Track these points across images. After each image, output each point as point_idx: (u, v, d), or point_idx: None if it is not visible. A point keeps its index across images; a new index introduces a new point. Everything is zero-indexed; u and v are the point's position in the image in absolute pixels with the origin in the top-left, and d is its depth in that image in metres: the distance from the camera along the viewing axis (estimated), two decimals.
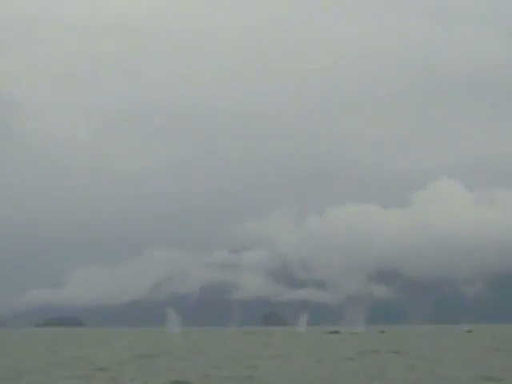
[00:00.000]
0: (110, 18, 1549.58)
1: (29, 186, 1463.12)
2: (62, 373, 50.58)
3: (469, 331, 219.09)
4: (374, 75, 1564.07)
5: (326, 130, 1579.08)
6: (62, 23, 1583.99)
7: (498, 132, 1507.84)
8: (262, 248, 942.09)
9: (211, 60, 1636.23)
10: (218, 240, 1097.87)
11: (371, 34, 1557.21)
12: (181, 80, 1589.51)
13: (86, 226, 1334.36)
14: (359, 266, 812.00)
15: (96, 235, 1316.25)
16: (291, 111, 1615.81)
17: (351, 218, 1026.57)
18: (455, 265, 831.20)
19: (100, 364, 61.64)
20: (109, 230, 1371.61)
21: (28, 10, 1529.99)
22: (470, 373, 48.65)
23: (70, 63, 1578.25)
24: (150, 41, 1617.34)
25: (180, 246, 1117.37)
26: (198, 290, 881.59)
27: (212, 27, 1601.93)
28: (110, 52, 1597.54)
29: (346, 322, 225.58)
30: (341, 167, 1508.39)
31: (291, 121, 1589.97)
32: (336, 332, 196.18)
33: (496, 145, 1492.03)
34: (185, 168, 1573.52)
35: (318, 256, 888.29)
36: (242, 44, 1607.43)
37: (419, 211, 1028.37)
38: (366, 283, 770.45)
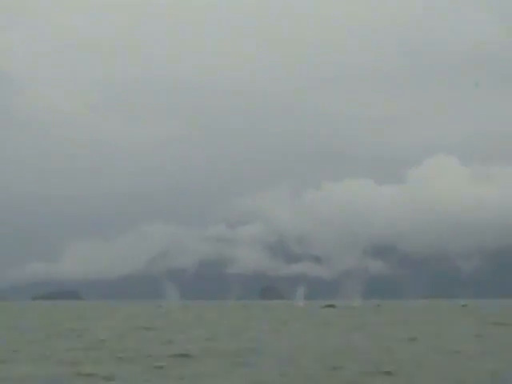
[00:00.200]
0: None
1: (25, 161, 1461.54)
2: (62, 345, 50.15)
3: (464, 305, 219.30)
4: (373, 51, 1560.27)
5: (324, 106, 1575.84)
6: None
7: (496, 109, 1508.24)
8: (258, 222, 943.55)
9: (211, 34, 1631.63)
10: (215, 214, 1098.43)
11: (371, 10, 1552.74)
12: (180, 54, 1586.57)
13: (82, 199, 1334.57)
14: (355, 241, 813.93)
15: (93, 209, 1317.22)
16: (289, 86, 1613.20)
17: (347, 193, 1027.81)
18: (452, 240, 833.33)
19: (100, 336, 61.27)
20: (106, 204, 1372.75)
21: None
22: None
23: (67, 36, 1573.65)
24: (150, 14, 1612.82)
25: (177, 221, 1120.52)
26: (195, 264, 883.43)
27: (212, 2, 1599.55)
28: (109, 25, 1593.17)
29: (343, 296, 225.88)
30: (337, 143, 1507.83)
31: (289, 96, 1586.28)
32: (332, 306, 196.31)
33: (493, 121, 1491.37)
34: (182, 143, 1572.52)
35: (314, 231, 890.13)
36: (242, 18, 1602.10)
37: (415, 187, 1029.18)
38: (361, 258, 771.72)
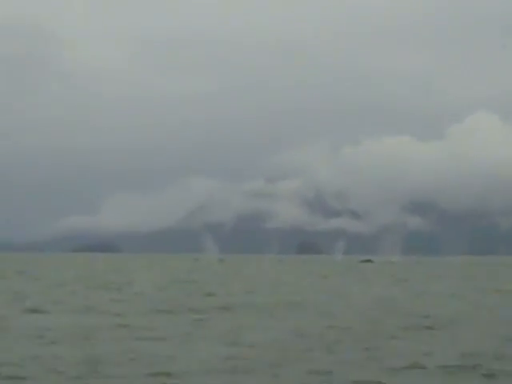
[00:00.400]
0: None
1: (65, 115, 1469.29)
2: (103, 297, 50.24)
3: (501, 262, 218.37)
4: (412, 6, 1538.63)
5: (363, 61, 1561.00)
6: None
7: None
8: (297, 178, 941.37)
9: None
10: (254, 169, 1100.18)
11: None
12: (219, 8, 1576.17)
13: (121, 153, 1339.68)
14: (394, 197, 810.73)
15: (132, 163, 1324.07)
16: (329, 42, 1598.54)
17: (387, 149, 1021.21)
18: (491, 196, 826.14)
19: (140, 288, 61.41)
20: (145, 157, 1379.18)
21: None
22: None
23: None
24: None
25: (216, 175, 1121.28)
26: (233, 219, 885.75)
27: None
28: None
29: (381, 252, 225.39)
30: (377, 99, 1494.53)
31: (329, 52, 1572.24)
32: (369, 261, 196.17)
33: None
34: (222, 97, 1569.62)
35: (352, 186, 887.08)
36: None
37: (455, 144, 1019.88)
38: (400, 214, 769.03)
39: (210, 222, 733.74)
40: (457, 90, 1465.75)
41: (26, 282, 69.57)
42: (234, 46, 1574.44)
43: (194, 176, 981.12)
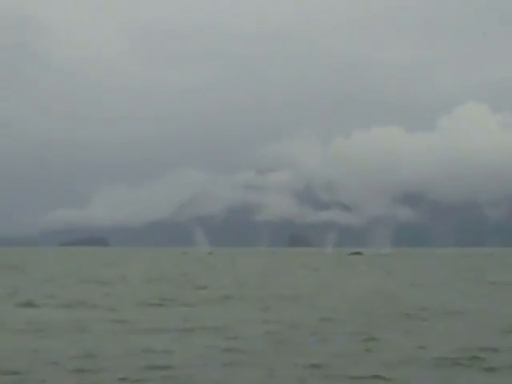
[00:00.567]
0: None
1: (54, 107, 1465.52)
2: (94, 291, 50.10)
3: (490, 254, 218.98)
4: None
5: (352, 52, 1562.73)
6: None
7: None
8: (287, 169, 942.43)
9: None
10: (244, 161, 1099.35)
11: None
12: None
13: (111, 146, 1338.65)
14: (384, 189, 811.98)
15: (121, 155, 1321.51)
16: (318, 31, 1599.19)
17: (377, 140, 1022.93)
18: (480, 188, 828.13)
19: (130, 282, 61.33)
20: (133, 150, 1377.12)
21: None
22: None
23: None
24: None
25: (206, 167, 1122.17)
26: (223, 211, 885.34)
27: None
28: None
29: (372, 244, 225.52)
30: (366, 90, 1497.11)
31: (318, 41, 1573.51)
32: (358, 253, 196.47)
33: None
34: (211, 90, 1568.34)
35: (342, 178, 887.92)
36: None
37: (445, 135, 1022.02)
38: (390, 206, 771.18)
39: (201, 215, 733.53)
40: (446, 80, 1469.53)
41: (17, 277, 69.19)
42: (215, 37, 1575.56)
43: (184, 168, 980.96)
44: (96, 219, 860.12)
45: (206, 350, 23.13)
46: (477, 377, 19.04)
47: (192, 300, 41.44)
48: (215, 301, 41.33)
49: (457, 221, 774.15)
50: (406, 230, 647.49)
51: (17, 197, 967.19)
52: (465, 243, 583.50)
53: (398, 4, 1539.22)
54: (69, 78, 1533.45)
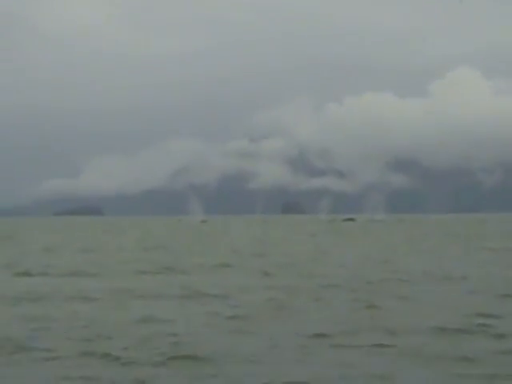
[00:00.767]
0: None
1: (47, 75, 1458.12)
2: (88, 259, 49.99)
3: (485, 220, 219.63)
4: None
5: (343, 17, 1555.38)
6: None
7: None
8: (280, 137, 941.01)
9: None
10: (237, 129, 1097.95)
11: None
12: None
13: (104, 114, 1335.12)
14: (377, 155, 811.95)
15: (113, 125, 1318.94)
16: (309, 1, 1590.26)
17: (369, 106, 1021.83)
18: (474, 154, 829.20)
19: (125, 251, 61.22)
20: (127, 119, 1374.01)
21: None
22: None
23: None
24: None
25: (199, 135, 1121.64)
26: (216, 179, 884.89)
27: None
28: None
29: (366, 210, 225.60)
30: (358, 56, 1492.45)
31: (311, 9, 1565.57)
32: (351, 219, 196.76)
33: None
34: (203, 57, 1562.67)
35: (335, 145, 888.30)
36: None
37: (437, 100, 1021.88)
38: (384, 172, 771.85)
39: (194, 183, 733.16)
40: (438, 46, 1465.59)
41: (13, 248, 69.00)
42: (217, 4, 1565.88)
43: (177, 137, 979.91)
44: (90, 188, 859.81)
45: (208, 317, 23.00)
46: (486, 343, 18.81)
47: (190, 268, 41.33)
48: (213, 268, 41.21)
49: (450, 187, 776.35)
50: (399, 196, 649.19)
51: (9, 167, 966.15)
52: (459, 209, 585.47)
53: None
54: (59, 46, 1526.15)
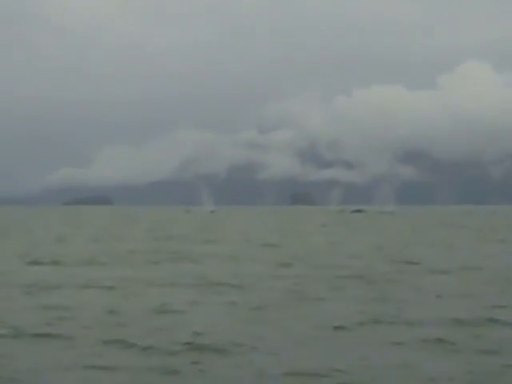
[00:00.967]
0: None
1: (58, 66, 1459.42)
2: (99, 249, 50.01)
3: (494, 212, 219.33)
4: None
5: (353, 9, 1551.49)
6: None
7: None
8: (289, 128, 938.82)
9: None
10: (247, 120, 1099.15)
11: None
12: None
13: (114, 105, 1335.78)
14: (386, 147, 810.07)
15: (124, 115, 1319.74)
16: None
17: (378, 99, 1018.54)
18: (483, 146, 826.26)
19: (136, 242, 61.26)
20: (136, 109, 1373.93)
21: None
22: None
23: None
24: None
25: (208, 126, 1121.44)
26: (226, 170, 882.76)
27: None
28: None
29: (375, 202, 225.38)
30: (367, 48, 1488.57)
31: (319, 1, 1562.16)
32: (360, 211, 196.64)
33: None
34: (214, 48, 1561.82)
35: (344, 136, 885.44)
36: None
37: (447, 93, 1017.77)
38: (392, 164, 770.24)
39: (203, 174, 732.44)
40: (447, 39, 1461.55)
41: (24, 237, 69.13)
42: None
43: (187, 127, 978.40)
44: (99, 178, 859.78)
45: (225, 306, 22.94)
46: (506, 334, 18.68)
47: (203, 257, 41.29)
48: (227, 258, 41.16)
49: (459, 179, 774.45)
50: (408, 188, 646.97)
51: (19, 156, 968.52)
52: (467, 201, 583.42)
53: None
54: (69, 36, 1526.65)
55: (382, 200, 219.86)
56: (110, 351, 16.66)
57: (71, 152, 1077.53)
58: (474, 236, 67.46)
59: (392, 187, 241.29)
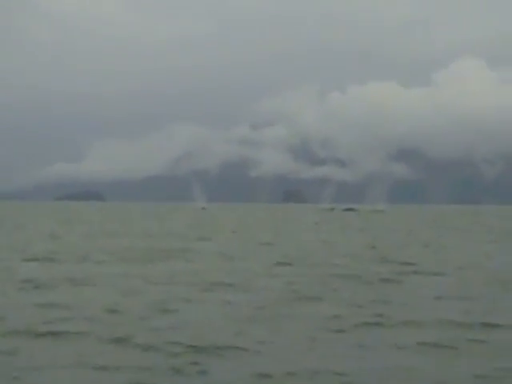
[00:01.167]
0: None
1: (51, 59, 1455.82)
2: (97, 245, 50.02)
3: (488, 212, 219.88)
4: None
5: (349, 6, 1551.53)
6: None
7: None
8: (282, 125, 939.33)
9: None
10: (239, 116, 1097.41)
11: None
12: None
13: (107, 99, 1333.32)
14: (379, 145, 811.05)
15: (116, 110, 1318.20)
16: None
17: (372, 96, 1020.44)
18: (476, 145, 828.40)
19: (129, 238, 61.29)
20: (129, 104, 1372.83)
21: None
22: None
23: None
24: None
25: (201, 122, 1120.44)
26: (218, 166, 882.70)
27: None
28: None
29: (367, 200, 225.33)
30: (362, 45, 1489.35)
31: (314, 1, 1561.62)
32: (351, 209, 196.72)
33: None
34: (207, 44, 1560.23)
35: (338, 134, 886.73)
36: None
37: (441, 91, 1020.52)
38: (386, 162, 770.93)
39: (196, 170, 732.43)
40: (442, 36, 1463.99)
41: (18, 233, 69.02)
42: None
43: (179, 123, 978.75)
44: (91, 174, 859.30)
45: (226, 304, 22.98)
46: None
47: (199, 256, 41.32)
48: (222, 257, 41.17)
49: (452, 178, 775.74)
50: (401, 186, 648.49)
51: (11, 151, 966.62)
52: (461, 200, 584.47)
53: None
54: (66, 29, 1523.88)
55: (375, 198, 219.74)
56: (109, 350, 16.65)
57: (64, 147, 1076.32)
58: (467, 236, 67.55)
59: (385, 186, 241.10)
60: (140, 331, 18.43)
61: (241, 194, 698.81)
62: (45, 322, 19.43)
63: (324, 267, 35.04)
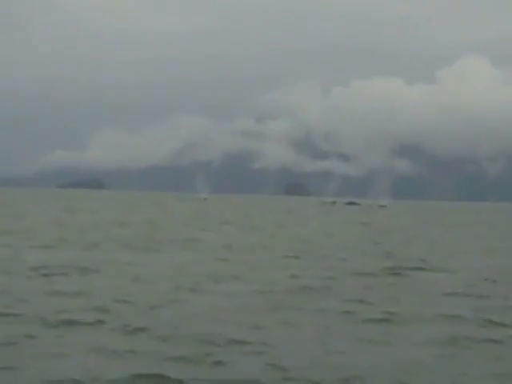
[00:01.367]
0: None
1: (54, 47, 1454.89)
2: (102, 234, 50.08)
3: (491, 209, 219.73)
4: None
5: (353, 2, 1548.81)
6: None
7: None
8: (286, 118, 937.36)
9: None
10: (244, 108, 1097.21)
11: None
12: None
13: (111, 88, 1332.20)
14: (382, 140, 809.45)
15: (120, 99, 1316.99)
16: None
17: (376, 91, 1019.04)
18: (479, 142, 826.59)
19: (132, 227, 61.35)
20: (133, 94, 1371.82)
21: None
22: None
23: None
24: None
25: (205, 113, 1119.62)
26: (221, 158, 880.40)
27: None
28: None
29: (370, 195, 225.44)
30: (367, 40, 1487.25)
31: None
32: (353, 203, 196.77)
33: None
34: (213, 34, 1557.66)
35: (341, 128, 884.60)
36: None
37: (444, 88, 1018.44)
38: (389, 157, 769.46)
39: (199, 161, 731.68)
40: (447, 33, 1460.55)
41: (21, 220, 69.01)
42: None
43: (183, 114, 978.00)
44: (94, 162, 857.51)
45: (238, 292, 23.05)
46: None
47: (209, 248, 41.40)
48: (227, 246, 41.24)
49: (455, 175, 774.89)
50: (403, 182, 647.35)
51: (14, 138, 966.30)
52: (462, 197, 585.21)
53: None
54: (70, 18, 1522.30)
55: (377, 193, 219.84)
56: (123, 340, 16.68)
57: (67, 135, 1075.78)
58: (470, 233, 67.61)
59: (387, 181, 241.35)
60: (152, 321, 18.47)
61: (243, 186, 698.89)
62: (59, 311, 19.42)
63: (331, 260, 35.16)
